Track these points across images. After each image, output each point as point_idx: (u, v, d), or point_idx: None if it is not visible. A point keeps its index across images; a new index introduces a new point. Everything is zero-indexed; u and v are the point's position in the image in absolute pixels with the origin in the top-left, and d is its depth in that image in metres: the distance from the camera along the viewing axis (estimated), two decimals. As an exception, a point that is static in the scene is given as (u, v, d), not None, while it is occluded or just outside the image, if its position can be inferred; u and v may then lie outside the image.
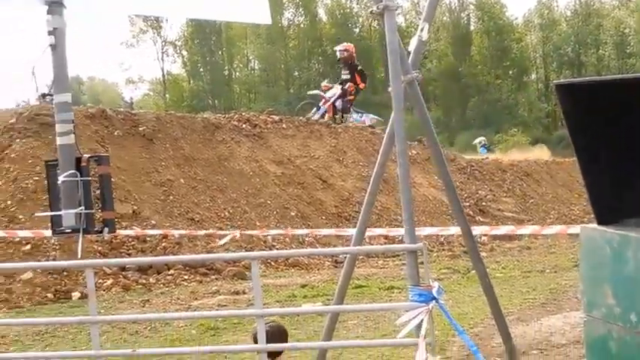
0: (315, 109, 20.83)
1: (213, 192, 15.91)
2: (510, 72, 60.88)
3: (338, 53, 20.38)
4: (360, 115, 20.92)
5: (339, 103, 20.07)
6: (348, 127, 20.58)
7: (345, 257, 5.70)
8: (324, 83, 21.42)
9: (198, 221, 14.68)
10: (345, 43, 21.35)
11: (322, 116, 20.33)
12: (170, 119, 17.36)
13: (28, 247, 12.42)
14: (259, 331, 3.23)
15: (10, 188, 13.53)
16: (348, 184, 18.21)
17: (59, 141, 5.77)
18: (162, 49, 60.24)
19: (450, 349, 7.22)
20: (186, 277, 12.59)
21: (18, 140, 14.54)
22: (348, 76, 19.73)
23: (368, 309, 5.90)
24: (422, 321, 3.83)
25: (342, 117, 20.17)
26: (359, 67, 20.14)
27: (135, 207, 13.75)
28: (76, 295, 11.75)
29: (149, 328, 9.30)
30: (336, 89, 19.81)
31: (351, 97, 19.96)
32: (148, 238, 13.29)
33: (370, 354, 7.29)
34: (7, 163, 14.00)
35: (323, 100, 20.11)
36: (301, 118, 20.32)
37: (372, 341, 6.87)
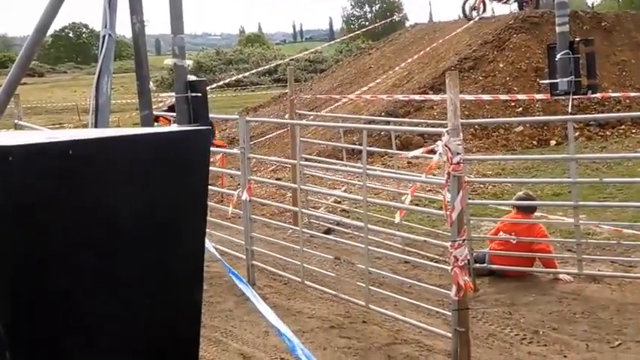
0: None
1: (654, 69, 17.65)
2: None
3: None
4: None
5: None
6: None
7: None
8: None
9: (643, 90, 16.39)
10: None
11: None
12: (626, 17, 19.42)
13: (520, 109, 15.62)
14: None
15: (509, 69, 16.98)
16: None
17: (558, 30, 6.74)
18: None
19: None
20: (633, 131, 14.87)
21: (515, 35, 18.03)
22: None
23: None
24: None
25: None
26: None
27: (597, 81, 16.60)
28: (552, 142, 14.53)
29: (606, 166, 10.93)
30: None
31: None
32: (606, 103, 15.66)
33: None
34: (507, 51, 17.54)
35: None
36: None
37: None
